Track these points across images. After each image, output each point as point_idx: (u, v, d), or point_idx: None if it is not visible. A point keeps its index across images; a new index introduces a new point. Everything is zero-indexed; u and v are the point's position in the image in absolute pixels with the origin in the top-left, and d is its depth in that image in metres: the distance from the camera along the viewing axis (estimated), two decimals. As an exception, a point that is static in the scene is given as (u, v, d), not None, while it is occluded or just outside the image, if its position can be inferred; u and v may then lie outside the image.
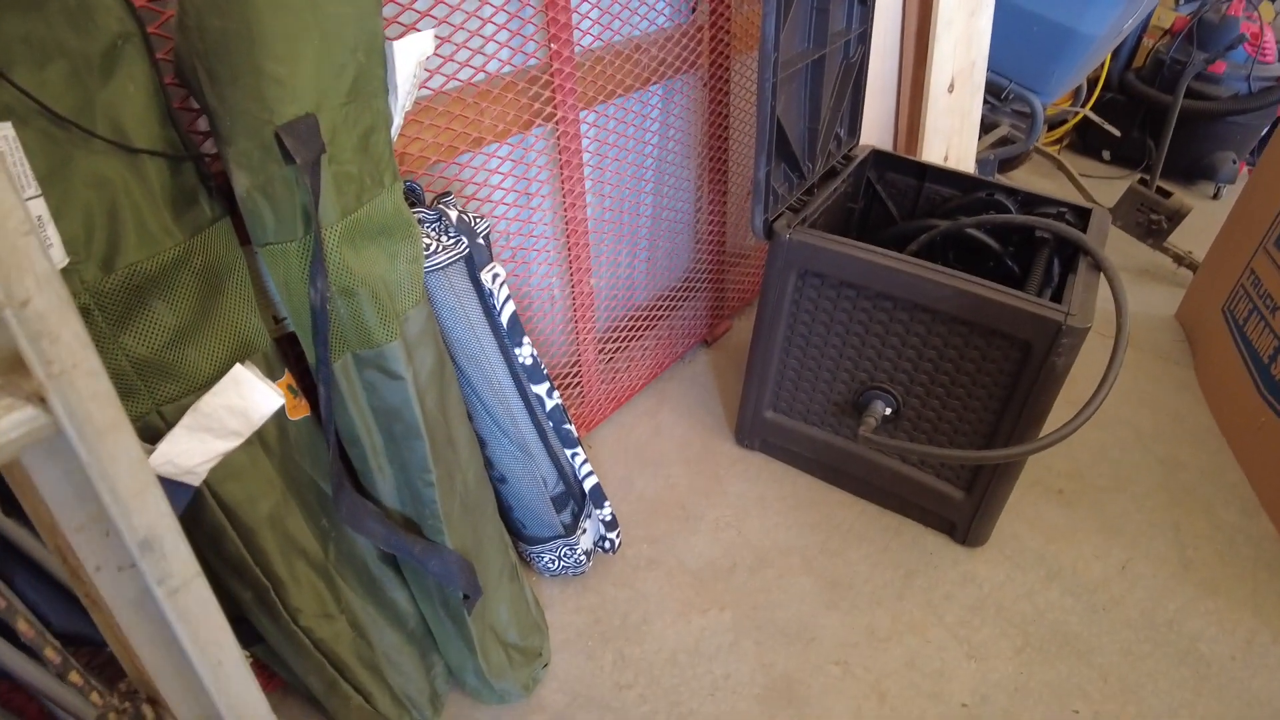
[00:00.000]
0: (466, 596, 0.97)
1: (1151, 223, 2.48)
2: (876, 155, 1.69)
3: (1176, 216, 2.43)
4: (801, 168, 1.48)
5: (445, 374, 0.94)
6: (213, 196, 0.77)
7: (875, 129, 2.01)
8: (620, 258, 1.69)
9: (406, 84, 0.81)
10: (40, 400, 0.34)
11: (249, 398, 0.72)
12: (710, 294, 1.95)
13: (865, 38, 1.60)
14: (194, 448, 0.70)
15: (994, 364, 1.27)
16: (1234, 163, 2.99)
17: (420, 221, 0.95)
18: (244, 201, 0.74)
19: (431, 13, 1.06)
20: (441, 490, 0.92)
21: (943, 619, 1.36)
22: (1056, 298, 1.43)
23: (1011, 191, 1.58)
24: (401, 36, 0.82)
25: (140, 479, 0.38)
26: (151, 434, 0.72)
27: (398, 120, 0.83)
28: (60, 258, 0.65)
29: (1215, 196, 3.08)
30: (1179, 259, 2.46)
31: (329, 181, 0.75)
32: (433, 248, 0.94)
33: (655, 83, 1.54)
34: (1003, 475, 1.35)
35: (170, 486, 0.70)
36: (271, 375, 0.81)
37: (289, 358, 0.92)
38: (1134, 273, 2.52)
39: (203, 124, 0.84)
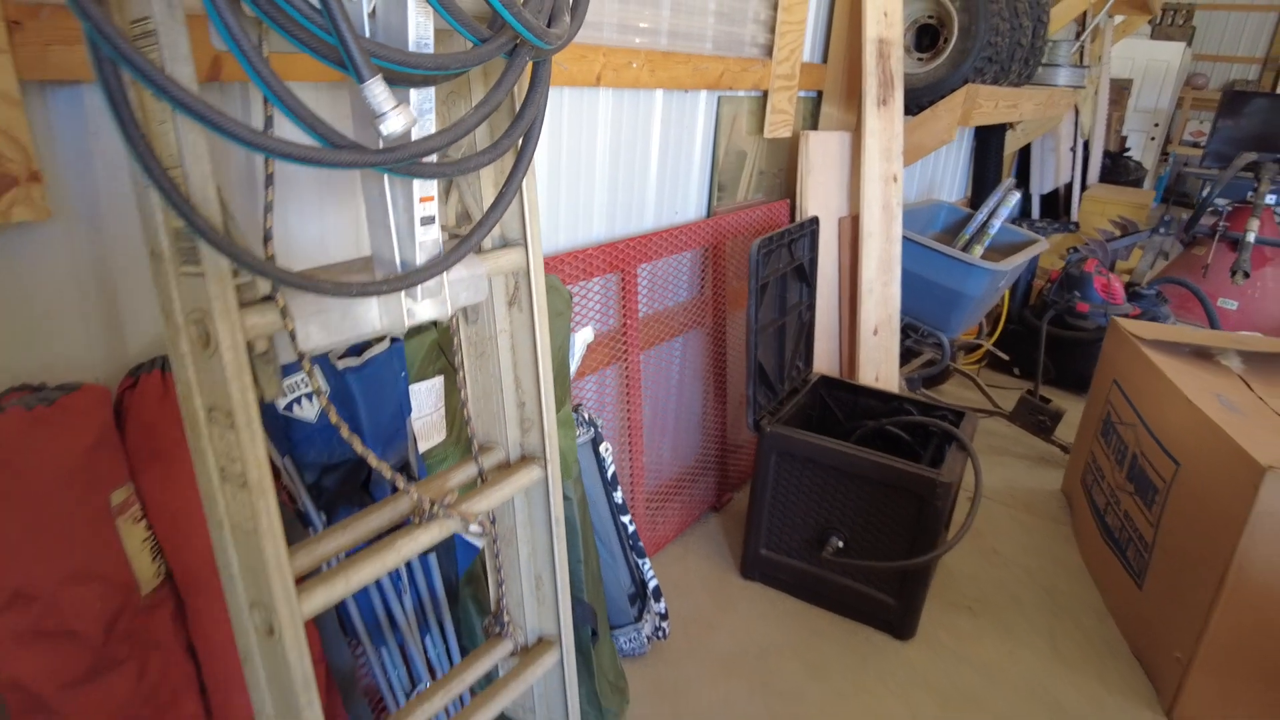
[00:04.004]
0: (594, 632, 1.65)
1: (1039, 422, 3.34)
2: (824, 379, 2.56)
3: (1055, 417, 3.29)
4: (775, 388, 2.32)
5: (585, 503, 1.70)
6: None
7: (826, 358, 2.91)
8: (655, 443, 2.49)
9: (578, 354, 1.65)
10: (544, 465, 1.10)
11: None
12: (716, 473, 2.73)
13: (811, 306, 2.52)
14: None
15: (901, 508, 2.03)
16: (1107, 377, 3.92)
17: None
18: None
19: (577, 306, 1.93)
20: (585, 567, 1.64)
21: (888, 686, 2.01)
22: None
23: (914, 402, 2.43)
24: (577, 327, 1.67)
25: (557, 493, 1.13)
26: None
27: (573, 371, 1.65)
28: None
29: (1098, 402, 3.98)
30: (1063, 448, 3.29)
31: (550, 400, 1.55)
32: (579, 433, 1.74)
33: (680, 335, 2.42)
34: (917, 583, 2.07)
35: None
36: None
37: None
38: (1033, 459, 3.33)
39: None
